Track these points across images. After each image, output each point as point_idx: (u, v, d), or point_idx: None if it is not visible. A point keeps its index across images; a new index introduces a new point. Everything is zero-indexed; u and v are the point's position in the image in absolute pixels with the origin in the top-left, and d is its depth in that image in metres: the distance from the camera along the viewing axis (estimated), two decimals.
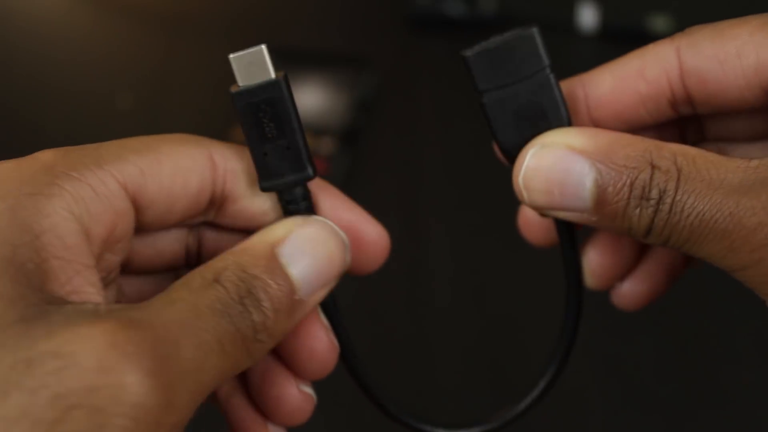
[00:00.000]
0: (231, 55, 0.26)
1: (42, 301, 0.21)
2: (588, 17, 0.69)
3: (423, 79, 0.69)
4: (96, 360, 0.19)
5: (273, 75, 0.27)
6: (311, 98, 0.66)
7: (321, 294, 0.26)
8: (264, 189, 0.27)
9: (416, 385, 0.51)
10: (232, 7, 0.77)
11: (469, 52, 0.27)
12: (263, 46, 0.26)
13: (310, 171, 0.27)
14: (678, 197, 0.24)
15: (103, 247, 0.24)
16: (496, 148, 0.28)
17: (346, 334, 0.29)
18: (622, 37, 0.69)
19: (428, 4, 0.72)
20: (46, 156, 0.24)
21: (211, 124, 0.65)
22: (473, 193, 0.60)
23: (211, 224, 0.29)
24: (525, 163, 0.26)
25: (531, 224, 0.32)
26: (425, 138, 0.65)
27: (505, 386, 0.51)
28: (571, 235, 0.29)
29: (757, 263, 0.23)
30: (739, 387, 0.49)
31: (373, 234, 0.29)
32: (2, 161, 0.24)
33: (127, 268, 0.27)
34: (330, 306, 0.28)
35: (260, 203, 0.28)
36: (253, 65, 0.26)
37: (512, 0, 0.72)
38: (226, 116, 0.65)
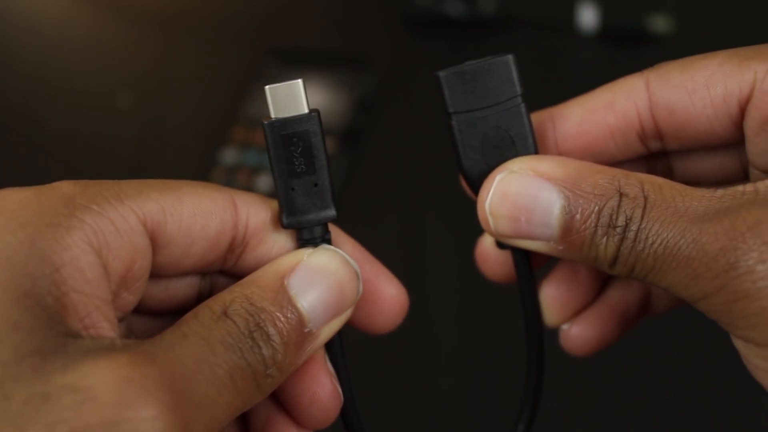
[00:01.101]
0: (267, 87, 0.26)
1: (59, 334, 0.21)
2: (588, 17, 0.69)
3: (423, 79, 0.69)
4: (114, 394, 0.19)
5: (307, 109, 0.26)
6: (311, 98, 0.66)
7: (333, 326, 0.26)
8: (287, 225, 0.26)
9: (412, 398, 0.51)
10: (232, 7, 0.77)
11: (442, 72, 0.27)
12: (300, 81, 0.26)
13: (334, 211, 0.27)
14: (644, 225, 0.24)
15: (120, 284, 0.24)
16: (460, 177, 0.28)
17: (350, 388, 0.28)
18: (622, 37, 0.69)
19: (428, 4, 0.72)
20: (65, 187, 0.23)
21: (211, 124, 0.65)
22: None
23: (226, 272, 0.28)
24: (492, 189, 0.26)
25: (488, 258, 0.32)
26: (425, 138, 0.65)
27: (505, 392, 0.51)
28: (528, 268, 0.29)
29: (719, 291, 0.23)
30: (739, 387, 0.49)
31: (391, 291, 0.28)
32: (20, 188, 0.23)
33: (138, 308, 0.27)
34: (338, 354, 0.27)
35: (280, 249, 0.27)
36: (288, 97, 0.26)
37: (512, 0, 0.72)
38: (226, 116, 0.65)
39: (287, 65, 0.68)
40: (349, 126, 0.64)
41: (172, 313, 0.28)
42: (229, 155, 0.63)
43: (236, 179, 0.61)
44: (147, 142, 0.66)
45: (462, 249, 0.59)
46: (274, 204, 0.27)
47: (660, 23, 0.68)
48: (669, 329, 0.51)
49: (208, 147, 0.63)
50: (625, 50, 0.69)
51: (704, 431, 0.48)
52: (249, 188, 0.60)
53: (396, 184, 0.62)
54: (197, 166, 0.62)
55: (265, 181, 0.61)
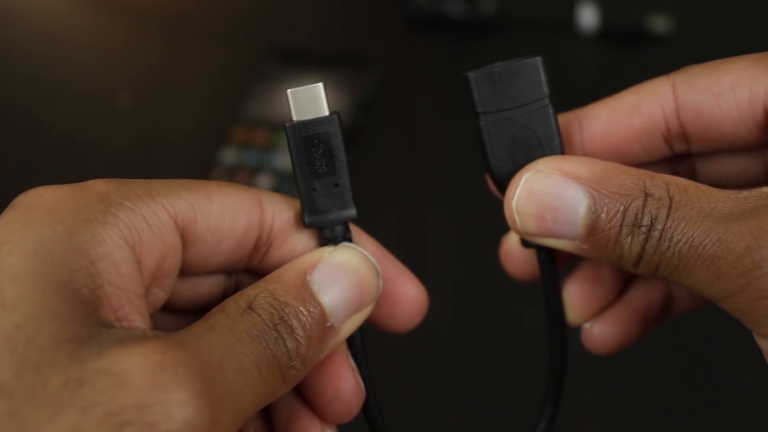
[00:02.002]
0: (289, 90, 0.27)
1: (94, 324, 0.21)
2: (588, 17, 0.69)
3: (423, 79, 0.69)
4: (147, 378, 0.20)
5: (327, 111, 0.27)
6: None
7: (354, 321, 0.26)
8: (308, 224, 0.27)
9: (414, 397, 0.51)
10: (232, 7, 0.77)
11: (472, 73, 0.27)
12: (321, 84, 0.27)
13: (355, 211, 0.27)
14: (669, 224, 0.24)
15: (151, 279, 0.25)
16: (487, 177, 0.29)
17: (371, 383, 0.28)
18: (622, 37, 0.69)
19: (428, 4, 0.72)
20: (99, 185, 0.24)
21: (211, 124, 0.65)
22: (473, 193, 0.60)
23: (251, 271, 0.28)
24: (519, 188, 0.27)
25: (513, 256, 0.32)
26: (425, 138, 0.65)
27: (505, 389, 0.51)
28: (553, 268, 0.29)
29: (743, 289, 0.23)
30: (739, 387, 0.49)
31: (412, 290, 0.29)
32: (56, 186, 0.24)
33: (165, 306, 0.27)
34: (359, 350, 0.28)
35: (303, 249, 0.28)
36: (309, 101, 0.27)
37: (512, 0, 0.72)
38: (225, 116, 0.65)
39: (287, 65, 0.68)
40: (349, 126, 0.64)
41: (198, 311, 0.28)
42: (229, 155, 0.62)
43: (236, 179, 0.61)
44: (147, 142, 0.66)
45: (462, 249, 0.59)
46: (298, 204, 0.28)
47: (660, 23, 0.68)
48: (669, 329, 0.51)
49: (208, 147, 0.63)
50: (625, 50, 0.69)
51: (704, 431, 0.49)
52: None
53: (396, 184, 0.62)
54: (197, 166, 0.62)
55: (264, 181, 0.61)
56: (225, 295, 0.29)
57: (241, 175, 0.61)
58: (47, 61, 0.73)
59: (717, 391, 0.50)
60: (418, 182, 0.62)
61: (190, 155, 0.64)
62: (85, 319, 0.21)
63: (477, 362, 0.52)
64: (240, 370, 0.22)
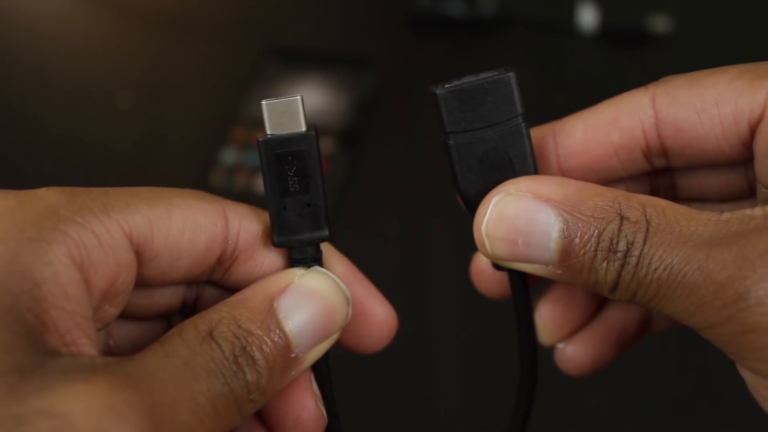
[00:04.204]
0: (264, 101, 0.25)
1: (38, 353, 0.20)
2: (588, 17, 0.69)
3: (423, 79, 0.69)
4: (92, 422, 0.19)
5: (304, 127, 0.25)
6: (311, 98, 0.66)
7: (319, 350, 0.25)
8: (277, 244, 0.26)
9: (414, 397, 0.51)
10: (232, 7, 0.77)
11: (439, 90, 0.26)
12: (299, 97, 0.25)
13: (327, 232, 0.26)
14: (646, 249, 0.23)
15: (102, 298, 0.23)
16: (457, 196, 0.27)
17: (335, 407, 0.27)
18: (622, 37, 0.69)
19: (428, 4, 0.72)
20: (50, 196, 0.23)
21: (210, 125, 0.65)
22: None
23: (213, 283, 0.27)
24: (488, 211, 0.25)
25: (483, 275, 0.31)
26: (425, 138, 0.65)
27: (508, 393, 0.51)
28: (524, 289, 0.28)
29: (727, 321, 0.22)
30: (739, 387, 0.49)
31: (381, 313, 0.28)
32: (4, 193, 0.23)
33: (120, 315, 0.26)
34: (324, 374, 0.27)
35: (270, 265, 0.26)
36: (285, 114, 0.25)
37: (512, 0, 0.72)
38: (225, 116, 0.65)
39: (287, 65, 0.68)
40: (349, 126, 0.64)
41: (155, 318, 0.27)
42: (229, 155, 0.62)
43: (236, 179, 0.61)
44: (147, 142, 0.66)
45: (462, 249, 0.59)
46: (266, 217, 0.26)
47: (660, 23, 0.68)
48: (669, 329, 0.51)
49: (208, 147, 0.63)
50: (625, 50, 0.69)
51: (704, 431, 0.48)
52: (248, 188, 0.60)
53: (396, 184, 0.62)
54: (197, 166, 0.62)
55: None
56: (184, 303, 0.27)
57: (241, 175, 0.61)
58: (47, 61, 0.73)
59: (717, 391, 0.50)
60: (418, 182, 0.62)
61: (190, 155, 0.64)
62: (28, 348, 0.20)
63: (479, 364, 0.52)
64: (194, 410, 0.21)
